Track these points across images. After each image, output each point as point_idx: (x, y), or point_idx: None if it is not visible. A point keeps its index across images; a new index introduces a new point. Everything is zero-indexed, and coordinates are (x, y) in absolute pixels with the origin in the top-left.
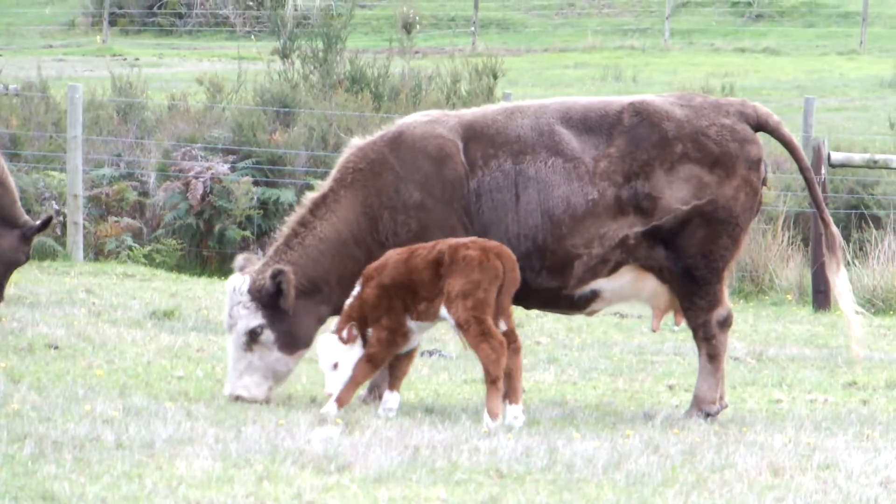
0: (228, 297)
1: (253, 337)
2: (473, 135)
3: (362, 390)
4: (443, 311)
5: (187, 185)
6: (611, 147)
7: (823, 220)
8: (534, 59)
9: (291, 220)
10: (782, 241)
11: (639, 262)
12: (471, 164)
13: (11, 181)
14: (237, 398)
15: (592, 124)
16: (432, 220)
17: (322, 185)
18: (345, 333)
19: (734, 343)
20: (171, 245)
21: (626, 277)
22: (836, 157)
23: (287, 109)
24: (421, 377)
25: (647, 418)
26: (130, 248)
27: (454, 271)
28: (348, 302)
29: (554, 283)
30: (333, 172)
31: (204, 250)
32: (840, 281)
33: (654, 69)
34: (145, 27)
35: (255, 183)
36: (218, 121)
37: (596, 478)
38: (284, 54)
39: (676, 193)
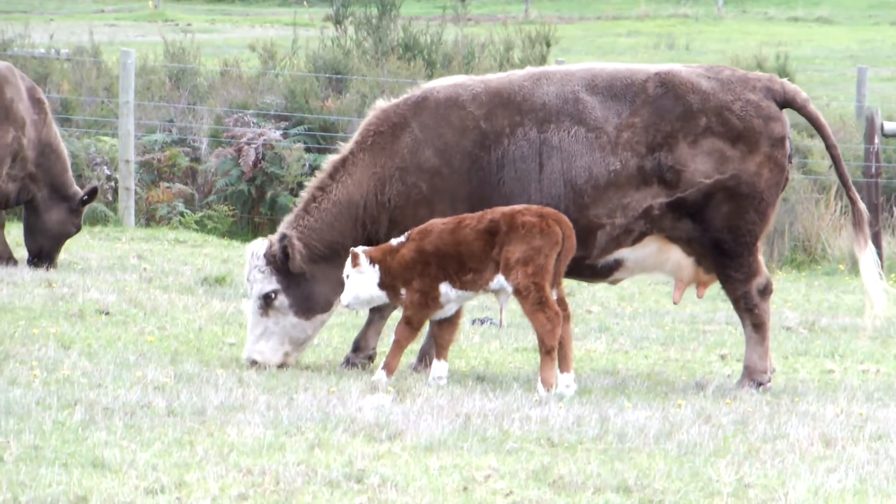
0: (247, 261)
1: (267, 301)
2: (500, 102)
3: (412, 358)
4: (498, 279)
5: (239, 151)
6: (634, 117)
7: (850, 197)
8: (587, 27)
9: (312, 184)
10: (835, 211)
11: (664, 233)
12: (496, 134)
13: (64, 149)
14: (252, 362)
15: (617, 92)
16: (445, 187)
17: (343, 148)
18: (353, 257)
19: (786, 313)
20: (222, 211)
21: (650, 248)
22: (889, 126)
23: (340, 76)
24: (472, 345)
25: (699, 388)
26: (182, 214)
27: (513, 239)
28: (393, 241)
29: (577, 253)
30: (356, 135)
31: (256, 216)
32: (866, 258)
33: (707, 38)
34: None
35: (307, 149)
36: (270, 87)
37: (647, 447)
38: (338, 20)
39: (699, 166)
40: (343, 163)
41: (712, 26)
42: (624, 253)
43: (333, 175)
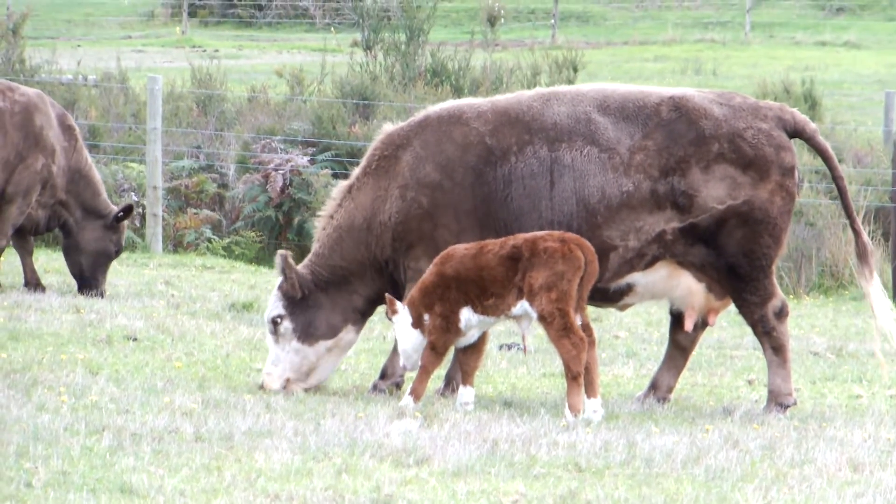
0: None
1: (274, 326)
2: (507, 120)
3: (440, 383)
4: (522, 305)
5: (267, 177)
6: (647, 140)
7: (854, 230)
8: (614, 52)
9: (324, 211)
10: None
11: (676, 259)
12: (503, 150)
13: (95, 173)
14: (259, 386)
15: (629, 114)
16: (448, 200)
17: (352, 174)
18: (390, 303)
19: (814, 338)
20: (250, 237)
21: (661, 273)
22: None
23: (367, 102)
24: (499, 370)
25: (727, 413)
26: (209, 241)
27: (535, 264)
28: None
29: None
30: (363, 160)
31: (283, 242)
32: (873, 289)
33: (735, 62)
34: (225, 19)
35: (335, 175)
36: (298, 113)
37: (675, 472)
38: (367, 46)
39: (712, 192)
40: (349, 189)
41: (740, 51)
42: (636, 277)
43: (341, 202)
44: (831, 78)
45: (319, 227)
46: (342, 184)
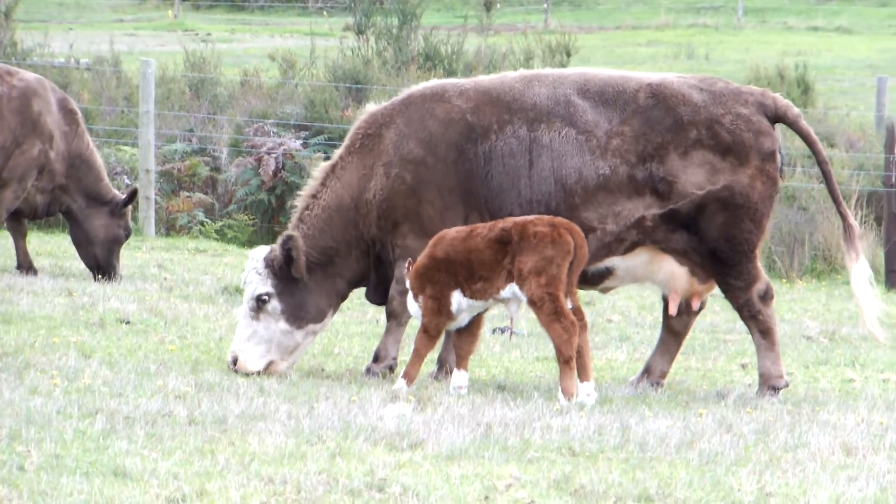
0: (247, 265)
1: (260, 304)
2: (489, 99)
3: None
4: (511, 288)
5: (259, 160)
6: (625, 126)
7: (841, 213)
8: (606, 37)
9: (305, 192)
10: (855, 219)
11: (658, 245)
12: (483, 128)
13: (96, 157)
14: (234, 360)
15: (608, 98)
16: (431, 176)
17: (335, 154)
18: (409, 266)
19: (807, 322)
20: (242, 221)
21: (642, 258)
22: None
23: (359, 86)
24: (493, 354)
25: (720, 397)
26: (202, 224)
27: (525, 249)
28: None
29: None
30: (346, 139)
31: (276, 226)
32: (858, 269)
33: (727, 47)
34: (217, 2)
35: (327, 159)
36: (290, 97)
37: (669, 456)
38: (359, 30)
39: (691, 178)
40: (333, 168)
41: (732, 36)
42: (615, 261)
43: (325, 181)
44: (823, 63)
45: (301, 206)
46: (323, 164)
